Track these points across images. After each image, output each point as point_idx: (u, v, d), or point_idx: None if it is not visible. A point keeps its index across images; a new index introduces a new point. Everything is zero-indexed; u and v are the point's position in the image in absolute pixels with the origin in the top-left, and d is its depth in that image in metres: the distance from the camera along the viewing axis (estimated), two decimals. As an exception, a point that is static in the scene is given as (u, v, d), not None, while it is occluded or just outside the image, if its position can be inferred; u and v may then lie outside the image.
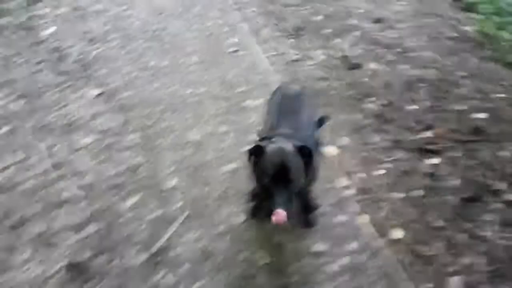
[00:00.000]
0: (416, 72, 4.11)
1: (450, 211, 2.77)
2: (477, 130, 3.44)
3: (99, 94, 3.72)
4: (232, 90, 3.83)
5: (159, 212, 2.72)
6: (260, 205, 2.66)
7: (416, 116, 3.57)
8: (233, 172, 2.98)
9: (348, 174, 3.02)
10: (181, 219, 2.66)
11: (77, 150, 3.16)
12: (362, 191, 2.90)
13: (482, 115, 3.60)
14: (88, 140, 3.25)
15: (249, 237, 2.57)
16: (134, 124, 3.41)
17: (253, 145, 2.05)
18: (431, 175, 3.04)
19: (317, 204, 2.63)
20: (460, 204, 2.83)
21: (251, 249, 2.49)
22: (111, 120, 3.44)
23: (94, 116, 3.49)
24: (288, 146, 2.00)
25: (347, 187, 2.91)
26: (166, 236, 2.56)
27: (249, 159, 2.11)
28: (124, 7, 5.18)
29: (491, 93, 3.83)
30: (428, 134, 3.39)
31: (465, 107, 3.69)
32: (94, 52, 4.30)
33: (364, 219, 2.71)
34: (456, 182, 2.99)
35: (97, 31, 4.67)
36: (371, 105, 3.67)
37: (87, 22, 4.83)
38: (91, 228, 2.61)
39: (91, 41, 4.51)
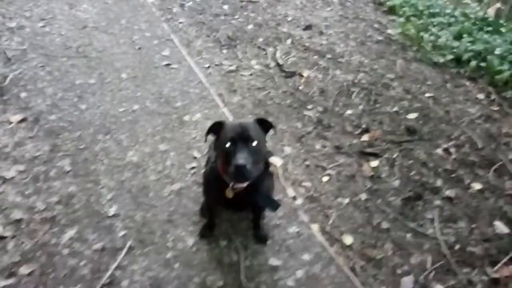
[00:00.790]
0: (348, 77, 4.23)
1: (394, 212, 2.85)
2: (409, 130, 3.60)
3: (22, 120, 3.40)
4: (168, 106, 3.69)
5: (99, 244, 2.51)
6: (211, 222, 2.57)
7: (352, 121, 3.66)
8: (178, 193, 2.85)
9: (294, 183, 3.01)
10: (125, 249, 2.48)
11: (0, 183, 2.85)
12: (310, 200, 2.91)
13: (413, 115, 3.77)
14: (12, 171, 2.94)
15: (200, 260, 2.46)
16: (63, 150, 3.16)
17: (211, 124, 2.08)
18: (372, 178, 3.12)
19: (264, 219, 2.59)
20: (402, 204, 2.92)
21: (203, 273, 2.38)
22: (37, 148, 3.16)
23: (18, 144, 3.18)
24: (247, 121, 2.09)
25: (294, 198, 2.89)
26: (110, 271, 2.37)
27: (208, 136, 2.13)
28: (42, 23, 4.82)
29: (419, 93, 4.04)
30: (365, 137, 3.49)
31: (396, 109, 3.85)
32: (11, 75, 3.93)
33: (315, 228, 2.71)
34: (396, 182, 3.09)
35: (13, 51, 4.29)
36: (309, 113, 3.72)
37: (0, 41, 4.42)
38: (23, 271, 2.35)
39: (7, 62, 4.13)
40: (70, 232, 2.56)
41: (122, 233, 2.58)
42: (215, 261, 2.46)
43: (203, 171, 2.57)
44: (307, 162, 3.20)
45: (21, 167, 2.98)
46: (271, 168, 2.20)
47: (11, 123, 3.36)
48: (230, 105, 3.75)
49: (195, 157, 3.14)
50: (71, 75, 4.01)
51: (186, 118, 3.55)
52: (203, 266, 2.43)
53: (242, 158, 1.84)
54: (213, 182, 2.17)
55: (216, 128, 2.06)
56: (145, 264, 2.42)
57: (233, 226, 2.65)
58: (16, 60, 4.14)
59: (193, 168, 3.04)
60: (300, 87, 4.04)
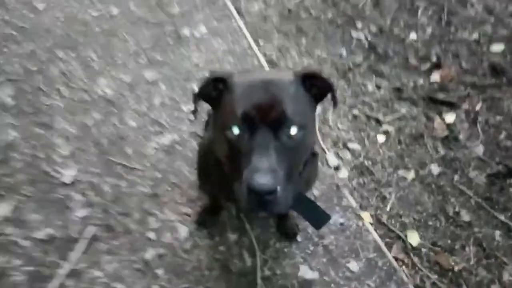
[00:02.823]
0: (412, -16, 3.06)
1: (477, 195, 1.97)
2: (495, 69, 2.56)
3: None
4: (161, 12, 2.61)
5: (45, 232, 1.68)
6: (214, 204, 1.71)
7: (417, 50, 2.62)
8: (169, 150, 1.95)
9: (337, 144, 2.09)
10: (83, 242, 1.65)
11: None
12: (359, 171, 2.02)
13: (498, 47, 2.70)
14: None
15: (196, 263, 1.65)
16: (6, 72, 2.18)
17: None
18: (447, 140, 2.19)
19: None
20: (487, 183, 2.04)
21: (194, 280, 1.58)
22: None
23: None
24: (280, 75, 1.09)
25: (337, 168, 1.99)
26: (59, 279, 1.56)
27: (197, 105, 1.12)
28: None
29: (506, 15, 2.90)
30: (436, 76, 2.48)
31: (476, 36, 2.76)
32: None
33: (366, 217, 1.85)
34: (479, 149, 2.17)
35: None
36: (359, 34, 2.65)
37: None
38: None
39: None
40: (1, 209, 1.71)
41: (81, 213, 1.73)
42: (219, 266, 1.65)
43: (200, 139, 1.65)
44: (355, 111, 2.24)
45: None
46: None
47: None
48: (248, 16, 2.67)
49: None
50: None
51: (185, 32, 2.50)
52: (200, 275, 1.62)
53: (264, 172, 0.91)
54: (211, 169, 1.27)
55: (214, 90, 1.07)
56: (112, 268, 1.61)
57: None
58: None
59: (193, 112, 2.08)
60: (347, -4, 2.90)
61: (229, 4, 2.71)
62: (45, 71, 2.20)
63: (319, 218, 1.19)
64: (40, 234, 1.66)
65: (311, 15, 2.75)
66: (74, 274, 1.59)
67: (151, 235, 1.70)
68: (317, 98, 1.07)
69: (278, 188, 0.91)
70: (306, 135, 1.00)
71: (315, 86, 1.06)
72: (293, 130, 0.97)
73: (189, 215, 1.76)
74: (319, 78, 1.05)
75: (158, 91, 2.18)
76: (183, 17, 2.60)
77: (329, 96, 1.07)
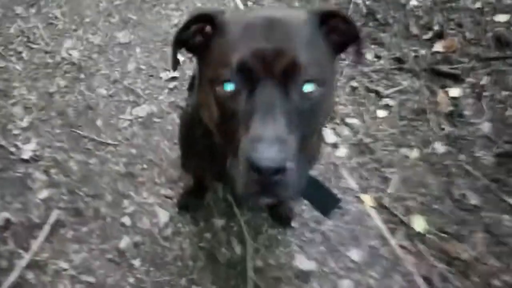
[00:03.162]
0: None
1: (484, 177, 1.81)
2: (500, 41, 2.38)
3: None
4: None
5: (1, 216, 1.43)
6: (198, 185, 1.49)
7: (419, 18, 2.41)
8: (145, 122, 1.71)
9: (335, 119, 1.89)
10: (45, 228, 1.41)
11: None
12: (358, 149, 1.83)
13: (503, 17, 2.52)
14: None
15: (179, 253, 1.44)
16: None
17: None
18: (451, 116, 2.01)
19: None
20: (495, 164, 1.88)
21: (182, 280, 1.38)
22: None
23: None
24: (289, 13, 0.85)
25: (335, 145, 1.80)
26: (17, 272, 1.33)
27: (176, 55, 0.87)
28: None
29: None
30: (439, 46, 2.28)
31: (479, 5, 2.57)
32: None
33: (366, 200, 1.67)
34: (485, 126, 2.00)
35: None
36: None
37: None
38: None
39: None
40: None
41: (43, 194, 1.48)
42: (204, 256, 1.44)
43: (183, 107, 1.42)
44: (353, 83, 2.04)
45: None
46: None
47: None
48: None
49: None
50: None
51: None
52: (183, 266, 1.42)
53: (270, 142, 0.68)
54: (196, 143, 1.03)
55: (199, 34, 0.83)
56: (81, 259, 1.38)
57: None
58: None
59: (173, 78, 1.83)
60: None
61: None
62: (1, 29, 1.89)
63: (327, 202, 0.97)
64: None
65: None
66: (35, 265, 1.37)
67: (126, 220, 1.48)
68: (337, 47, 0.83)
69: (288, 164, 0.68)
70: (324, 93, 0.77)
71: (336, 31, 0.82)
72: (308, 87, 0.74)
73: (169, 198, 1.54)
74: (342, 19, 0.81)
75: (132, 55, 1.91)
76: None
77: (350, 48, 0.85)
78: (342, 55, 0.86)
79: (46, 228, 1.42)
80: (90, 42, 1.92)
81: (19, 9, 1.97)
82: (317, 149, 1.12)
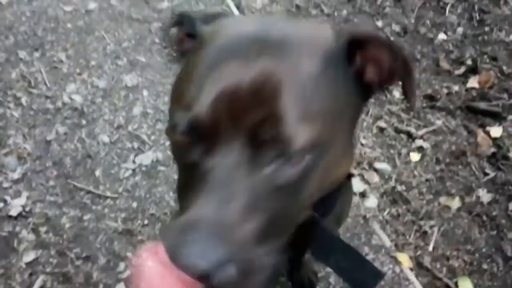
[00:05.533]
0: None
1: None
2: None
3: None
4: (147, 7, 2.22)
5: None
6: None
7: (449, 52, 2.22)
8: (150, 171, 1.53)
9: (362, 163, 1.67)
10: None
11: None
12: (391, 198, 1.59)
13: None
14: None
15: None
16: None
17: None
18: (495, 158, 1.78)
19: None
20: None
21: None
22: None
23: None
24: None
25: (363, 194, 1.57)
26: None
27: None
28: None
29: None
30: (473, 82, 2.08)
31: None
32: None
33: (403, 260, 1.42)
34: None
35: None
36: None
37: None
38: None
39: None
40: None
41: (29, 257, 1.30)
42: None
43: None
44: (381, 123, 1.83)
45: None
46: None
47: None
48: (249, 13, 2.28)
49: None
50: None
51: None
52: None
53: (203, 233, 0.44)
54: None
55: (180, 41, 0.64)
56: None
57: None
58: None
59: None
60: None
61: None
62: (1, 74, 1.80)
63: (366, 277, 0.74)
64: (-31, 288, 1.23)
65: (322, 12, 2.36)
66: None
67: (121, 287, 1.27)
68: (371, 85, 0.59)
69: (229, 267, 0.45)
70: (326, 158, 0.52)
71: (373, 65, 0.57)
72: (297, 152, 0.49)
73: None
74: (386, 48, 0.55)
75: (139, 99, 1.77)
76: (173, 13, 2.21)
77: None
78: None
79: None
80: (94, 86, 1.79)
81: (22, 53, 1.88)
82: (346, 206, 0.91)
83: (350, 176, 0.83)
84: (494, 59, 2.22)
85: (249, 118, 0.47)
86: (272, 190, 0.49)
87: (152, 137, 1.64)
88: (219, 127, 0.48)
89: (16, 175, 1.48)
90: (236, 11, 2.25)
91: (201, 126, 0.49)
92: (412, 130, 1.81)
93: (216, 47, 0.53)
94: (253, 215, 0.47)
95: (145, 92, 1.80)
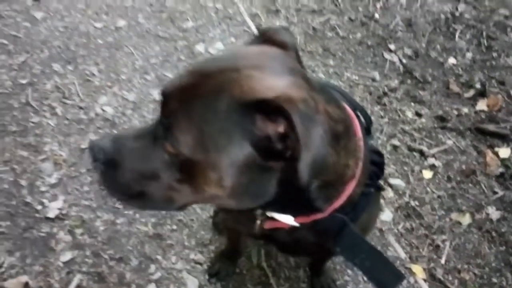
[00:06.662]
0: (445, 7, 2.81)
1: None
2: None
3: None
4: (173, 26, 2.35)
5: None
6: (232, 248, 1.36)
7: (458, 76, 2.33)
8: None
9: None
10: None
11: None
12: (405, 213, 1.67)
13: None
14: None
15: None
16: (-7, 84, 1.89)
17: None
18: (503, 178, 1.86)
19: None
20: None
21: None
22: None
23: None
24: None
25: (381, 209, 1.65)
26: None
27: None
28: None
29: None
30: (482, 105, 2.18)
31: (519, 62, 2.48)
32: None
33: (417, 271, 1.49)
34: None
35: None
36: (393, 56, 2.37)
37: None
38: None
39: None
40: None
41: (66, 256, 1.38)
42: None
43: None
44: (394, 141, 1.92)
45: None
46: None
47: None
48: (269, 34, 2.39)
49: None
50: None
51: (200, 48, 2.23)
52: None
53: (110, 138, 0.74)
54: None
55: None
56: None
57: (270, 258, 1.44)
58: None
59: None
60: (376, 15, 2.64)
61: (248, 20, 2.46)
62: (37, 85, 1.91)
63: (389, 278, 0.83)
64: (12, 284, 1.30)
65: (338, 34, 2.48)
66: None
67: (152, 287, 1.35)
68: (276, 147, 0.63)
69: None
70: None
71: (273, 128, 0.62)
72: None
73: (199, 263, 1.41)
74: (283, 119, 0.59)
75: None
76: (197, 32, 2.34)
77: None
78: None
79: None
80: (124, 99, 1.90)
81: (56, 66, 1.99)
82: (373, 218, 1.00)
83: (379, 188, 0.92)
84: (502, 83, 2.32)
85: (169, 106, 0.66)
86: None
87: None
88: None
89: (52, 180, 1.57)
90: (256, 32, 2.36)
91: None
92: (425, 148, 1.90)
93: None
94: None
95: (171, 106, 1.90)
